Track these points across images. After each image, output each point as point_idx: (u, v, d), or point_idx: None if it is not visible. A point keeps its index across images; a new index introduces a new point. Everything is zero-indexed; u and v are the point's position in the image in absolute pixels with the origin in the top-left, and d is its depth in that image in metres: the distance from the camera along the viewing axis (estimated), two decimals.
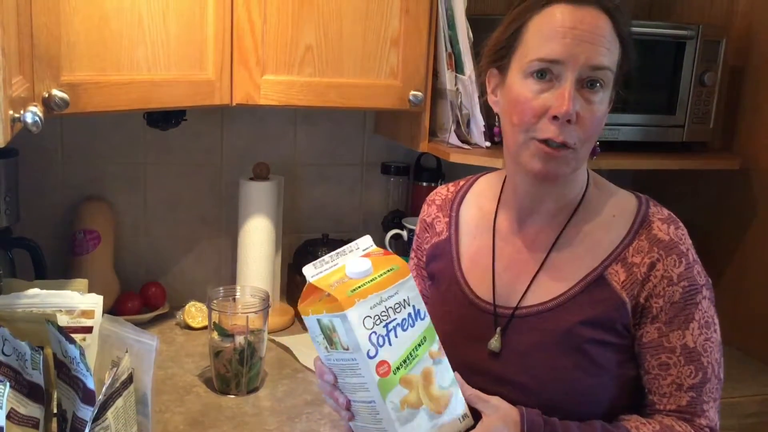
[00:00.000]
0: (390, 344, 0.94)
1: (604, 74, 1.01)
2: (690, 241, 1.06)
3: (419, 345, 0.97)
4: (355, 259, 0.98)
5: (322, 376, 1.02)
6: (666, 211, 1.09)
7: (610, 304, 1.04)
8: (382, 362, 0.93)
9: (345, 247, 1.01)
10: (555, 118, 0.99)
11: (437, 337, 0.99)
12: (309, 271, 0.96)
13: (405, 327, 0.96)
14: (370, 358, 0.92)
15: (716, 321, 1.06)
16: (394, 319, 0.95)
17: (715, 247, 1.93)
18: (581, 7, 1.00)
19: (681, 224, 1.08)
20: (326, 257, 0.98)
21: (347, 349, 0.94)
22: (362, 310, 0.92)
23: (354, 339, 0.92)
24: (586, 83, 1.00)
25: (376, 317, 0.93)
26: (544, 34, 1.01)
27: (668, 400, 1.04)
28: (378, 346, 0.93)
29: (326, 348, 0.98)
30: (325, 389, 1.03)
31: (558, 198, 1.11)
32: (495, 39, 1.10)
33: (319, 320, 0.96)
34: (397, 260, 0.99)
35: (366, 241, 1.02)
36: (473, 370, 1.07)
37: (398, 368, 0.94)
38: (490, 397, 1.02)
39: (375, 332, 0.93)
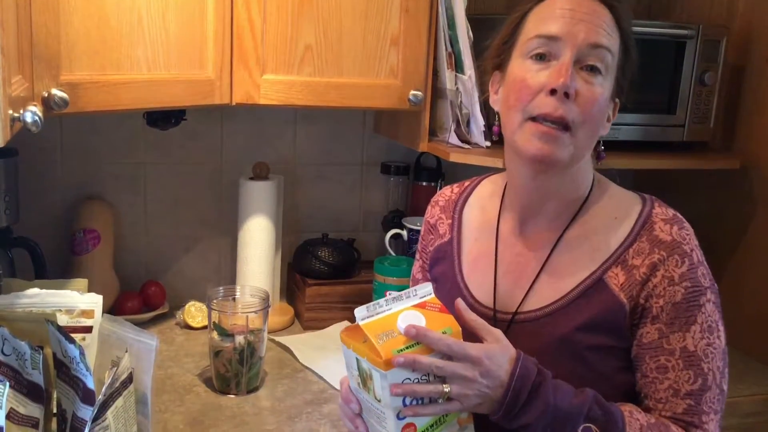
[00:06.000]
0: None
1: (604, 55, 1.00)
2: (696, 242, 1.04)
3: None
4: (410, 312, 0.95)
5: (348, 402, 1.01)
6: (671, 212, 1.07)
7: (608, 306, 1.02)
8: (410, 425, 0.93)
9: (402, 292, 0.98)
10: (553, 91, 0.98)
11: None
12: (360, 313, 0.94)
13: None
14: (399, 419, 0.92)
15: (721, 327, 1.02)
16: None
17: (715, 247, 1.92)
18: None
19: (686, 225, 1.05)
20: (381, 301, 0.96)
21: (379, 401, 0.93)
22: (404, 373, 0.91)
23: (387, 397, 0.91)
24: (586, 67, 1.00)
25: (416, 380, 0.92)
26: (544, 16, 1.03)
27: (664, 407, 1.00)
28: None
29: (359, 384, 0.97)
30: (347, 413, 1.02)
31: (560, 197, 1.09)
32: (498, 39, 1.11)
33: (358, 360, 0.94)
34: (451, 321, 0.97)
35: (425, 289, 1.00)
36: None
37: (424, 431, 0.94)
38: (493, 329, 0.99)
39: None
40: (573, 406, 0.96)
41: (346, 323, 1.83)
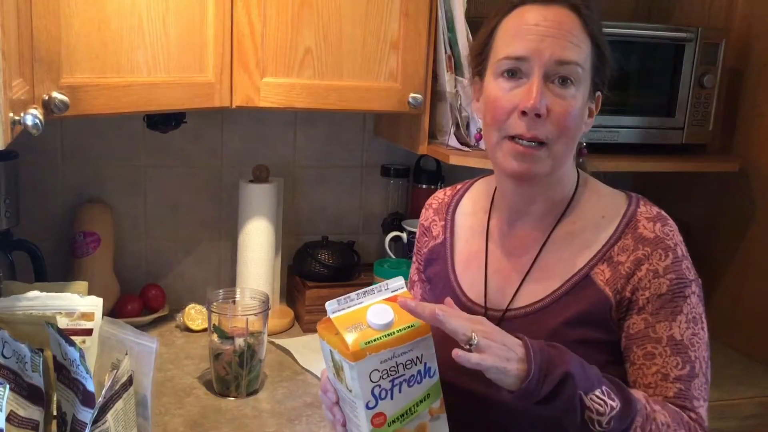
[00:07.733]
0: (391, 398, 0.94)
1: (573, 69, 1.02)
2: (680, 238, 1.06)
3: (421, 401, 0.96)
4: (380, 306, 0.96)
5: (326, 392, 1.03)
6: (655, 210, 1.09)
7: (594, 301, 1.04)
8: (380, 414, 0.93)
9: (374, 286, 0.99)
10: (524, 113, 1.01)
11: (441, 394, 0.99)
12: (331, 306, 0.95)
13: (411, 383, 0.95)
14: (368, 408, 0.93)
15: (704, 320, 1.05)
16: (402, 375, 0.94)
17: (714, 249, 1.93)
18: (547, 6, 1.03)
19: (670, 222, 1.08)
20: (353, 294, 0.97)
21: (350, 391, 0.94)
22: (372, 364, 0.92)
23: (357, 388, 0.92)
24: (557, 80, 1.02)
25: (384, 372, 0.93)
26: (511, 34, 1.05)
27: (654, 391, 1.02)
28: (379, 399, 0.93)
29: (334, 374, 0.98)
30: (326, 403, 1.04)
31: (546, 199, 1.11)
32: (473, 47, 1.13)
33: (332, 352, 0.96)
34: None
35: (397, 282, 1.00)
36: (462, 371, 1.06)
37: (394, 421, 0.94)
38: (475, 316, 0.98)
39: (380, 385, 0.93)
40: (588, 364, 0.95)
41: None
